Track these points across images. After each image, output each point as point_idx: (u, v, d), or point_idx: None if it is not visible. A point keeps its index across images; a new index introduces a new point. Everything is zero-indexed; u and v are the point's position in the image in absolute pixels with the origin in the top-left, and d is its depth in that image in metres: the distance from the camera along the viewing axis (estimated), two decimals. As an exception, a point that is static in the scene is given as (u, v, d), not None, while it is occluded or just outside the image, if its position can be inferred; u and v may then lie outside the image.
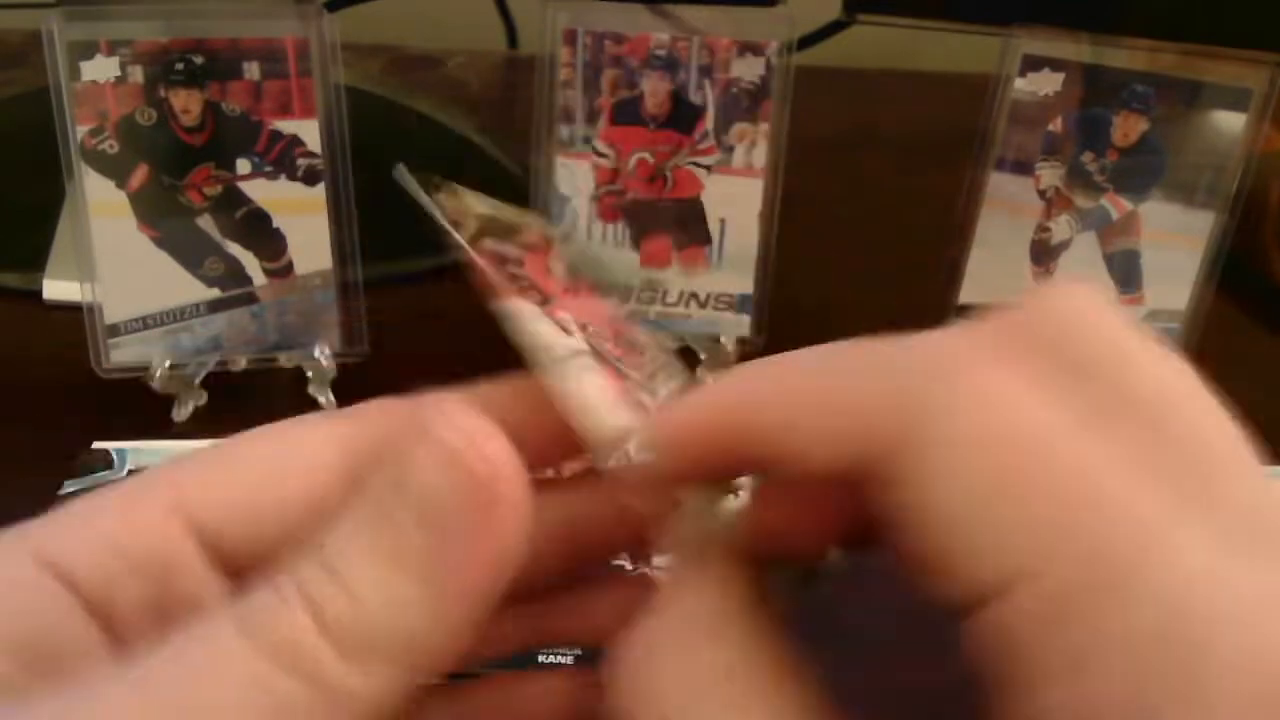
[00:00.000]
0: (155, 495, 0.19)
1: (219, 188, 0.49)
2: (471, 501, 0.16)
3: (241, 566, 0.18)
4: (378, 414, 0.20)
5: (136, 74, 0.47)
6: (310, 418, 0.20)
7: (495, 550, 0.16)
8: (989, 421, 0.16)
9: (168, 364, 0.50)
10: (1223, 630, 0.14)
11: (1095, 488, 0.16)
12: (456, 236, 0.22)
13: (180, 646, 0.16)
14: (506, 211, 0.24)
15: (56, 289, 0.54)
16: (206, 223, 0.50)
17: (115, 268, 0.48)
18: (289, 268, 0.51)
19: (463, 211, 0.23)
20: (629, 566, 0.25)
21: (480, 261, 0.22)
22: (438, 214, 0.23)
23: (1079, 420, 0.16)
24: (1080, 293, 0.19)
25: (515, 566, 0.17)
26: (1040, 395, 0.17)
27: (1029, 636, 0.15)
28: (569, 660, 0.40)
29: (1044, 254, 0.54)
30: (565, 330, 0.22)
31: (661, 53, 0.51)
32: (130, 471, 0.45)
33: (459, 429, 0.16)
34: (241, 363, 0.51)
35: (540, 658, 0.40)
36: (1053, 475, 0.16)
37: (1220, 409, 0.17)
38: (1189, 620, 0.14)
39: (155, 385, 0.49)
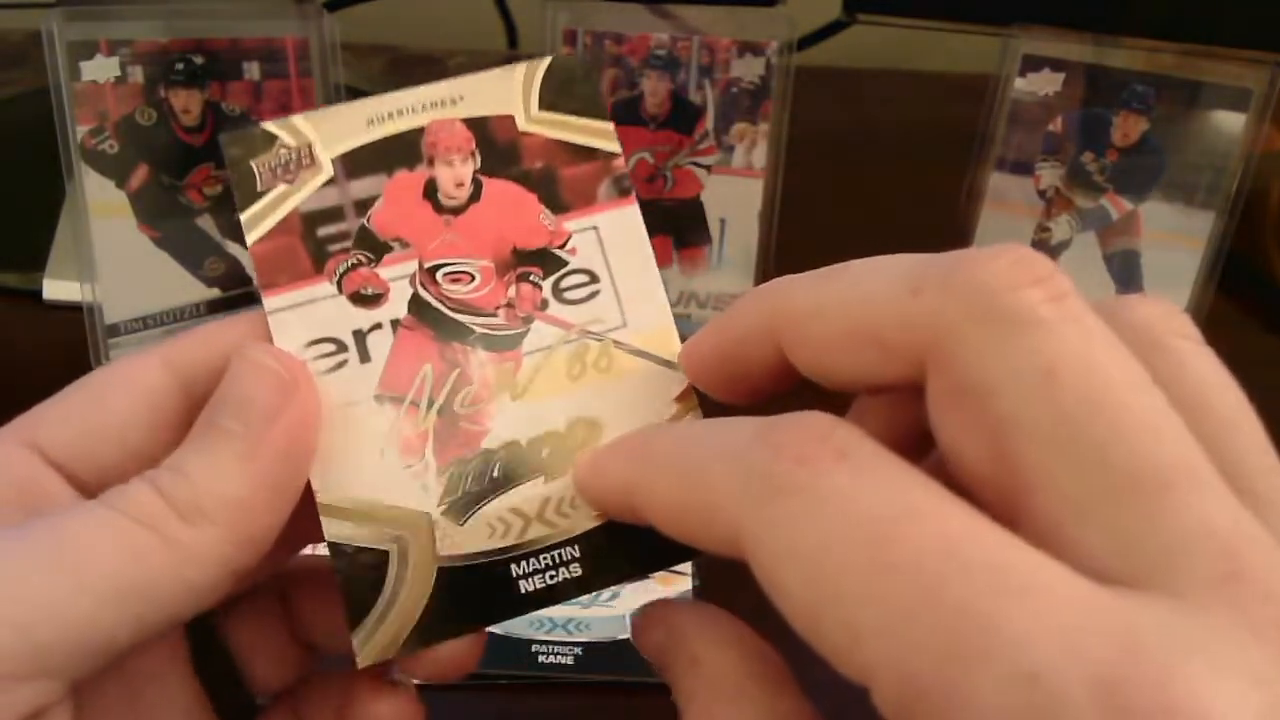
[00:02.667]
0: (10, 434, 0.22)
1: (219, 188, 0.49)
2: (275, 391, 0.21)
3: (94, 488, 0.22)
4: (199, 336, 0.23)
5: (136, 74, 0.47)
6: (140, 351, 0.23)
7: (296, 424, 0.21)
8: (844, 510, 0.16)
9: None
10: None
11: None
12: (245, 231, 0.23)
13: (57, 516, 0.20)
14: (411, 97, 0.23)
15: (56, 289, 0.54)
16: (206, 223, 0.50)
17: (115, 268, 0.48)
18: (289, 268, 0.51)
19: (305, 152, 0.23)
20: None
21: (257, 255, 0.23)
22: (238, 189, 0.23)
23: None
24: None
25: (313, 443, 0.22)
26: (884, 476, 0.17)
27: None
28: (569, 660, 0.40)
29: (1044, 254, 0.54)
30: (366, 301, 0.22)
31: (661, 52, 0.51)
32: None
33: (262, 348, 0.22)
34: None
35: (540, 658, 0.40)
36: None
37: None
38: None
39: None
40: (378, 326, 0.22)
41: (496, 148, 0.23)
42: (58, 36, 0.45)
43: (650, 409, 0.22)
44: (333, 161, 0.23)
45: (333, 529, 0.22)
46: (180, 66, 0.47)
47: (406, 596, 0.21)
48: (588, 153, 0.23)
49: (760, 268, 0.53)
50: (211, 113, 0.48)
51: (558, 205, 0.23)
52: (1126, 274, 0.54)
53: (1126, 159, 0.52)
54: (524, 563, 0.21)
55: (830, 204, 0.68)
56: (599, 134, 0.23)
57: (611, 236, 0.23)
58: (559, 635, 0.40)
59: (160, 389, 0.22)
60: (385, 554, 0.21)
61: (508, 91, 0.23)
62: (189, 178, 0.49)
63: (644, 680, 0.39)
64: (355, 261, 0.23)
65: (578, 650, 0.40)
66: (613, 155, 0.23)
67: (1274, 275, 0.65)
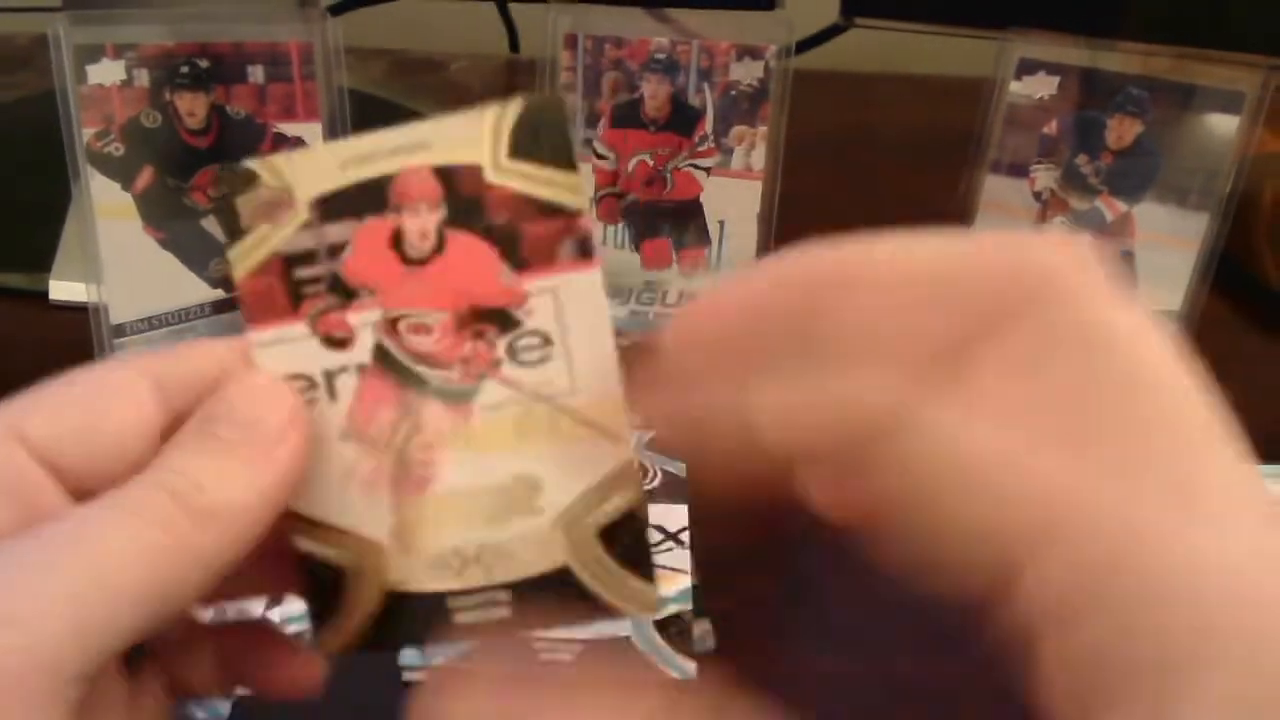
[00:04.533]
0: None
1: (224, 190, 0.50)
2: (285, 415, 0.23)
3: (82, 487, 0.22)
4: (181, 354, 0.24)
5: (142, 77, 0.47)
6: (121, 358, 0.25)
7: (298, 449, 0.23)
8: (963, 435, 0.18)
9: (173, 364, 0.50)
10: (1211, 584, 0.16)
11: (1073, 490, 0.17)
12: (231, 268, 0.23)
13: (73, 520, 0.21)
14: (388, 141, 0.23)
15: (62, 290, 0.54)
16: (212, 224, 0.50)
17: (121, 269, 0.49)
18: (293, 269, 0.51)
19: (285, 194, 0.23)
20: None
21: (242, 290, 0.23)
22: (222, 227, 0.24)
23: (1050, 416, 0.18)
24: (1059, 251, 0.20)
25: (304, 469, 0.23)
26: (1012, 389, 0.18)
27: (1051, 604, 0.17)
28: (569, 659, 0.40)
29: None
30: (335, 344, 0.23)
31: (661, 56, 0.52)
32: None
33: (265, 375, 0.23)
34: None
35: (541, 655, 0.40)
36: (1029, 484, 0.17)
37: (1194, 387, 0.18)
38: (1184, 584, 0.16)
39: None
40: (344, 369, 0.23)
41: (462, 199, 0.23)
42: (64, 40, 0.46)
43: (590, 479, 0.23)
44: (309, 205, 0.23)
45: (302, 541, 0.24)
46: (185, 70, 0.48)
47: (358, 609, 0.24)
48: (553, 209, 0.23)
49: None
50: (216, 115, 0.49)
51: (518, 262, 0.23)
52: (1121, 275, 0.54)
53: (1121, 161, 0.53)
54: (460, 598, 0.24)
55: (828, 206, 0.68)
56: (566, 187, 0.23)
57: (569, 301, 0.23)
58: (559, 632, 0.40)
59: (147, 399, 0.23)
60: (342, 570, 0.24)
61: (477, 138, 0.23)
62: (194, 180, 0.49)
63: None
64: (327, 306, 0.23)
65: (577, 648, 0.40)
66: (577, 213, 0.23)
67: (1267, 276, 0.65)
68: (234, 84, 0.49)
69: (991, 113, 0.52)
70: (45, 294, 0.54)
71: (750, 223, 0.54)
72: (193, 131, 0.49)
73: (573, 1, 0.51)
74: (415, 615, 0.23)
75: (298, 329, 0.23)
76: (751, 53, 0.52)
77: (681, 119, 0.52)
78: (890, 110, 0.84)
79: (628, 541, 0.23)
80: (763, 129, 0.52)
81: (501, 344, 0.23)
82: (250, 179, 0.23)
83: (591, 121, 0.53)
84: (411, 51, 0.85)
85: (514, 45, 0.89)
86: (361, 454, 0.24)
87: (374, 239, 0.23)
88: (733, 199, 0.53)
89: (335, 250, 0.23)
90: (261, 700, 0.37)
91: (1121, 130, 0.52)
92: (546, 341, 0.23)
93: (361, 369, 0.23)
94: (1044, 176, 0.53)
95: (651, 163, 0.53)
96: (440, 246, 0.23)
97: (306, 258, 0.23)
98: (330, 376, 0.23)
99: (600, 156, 0.53)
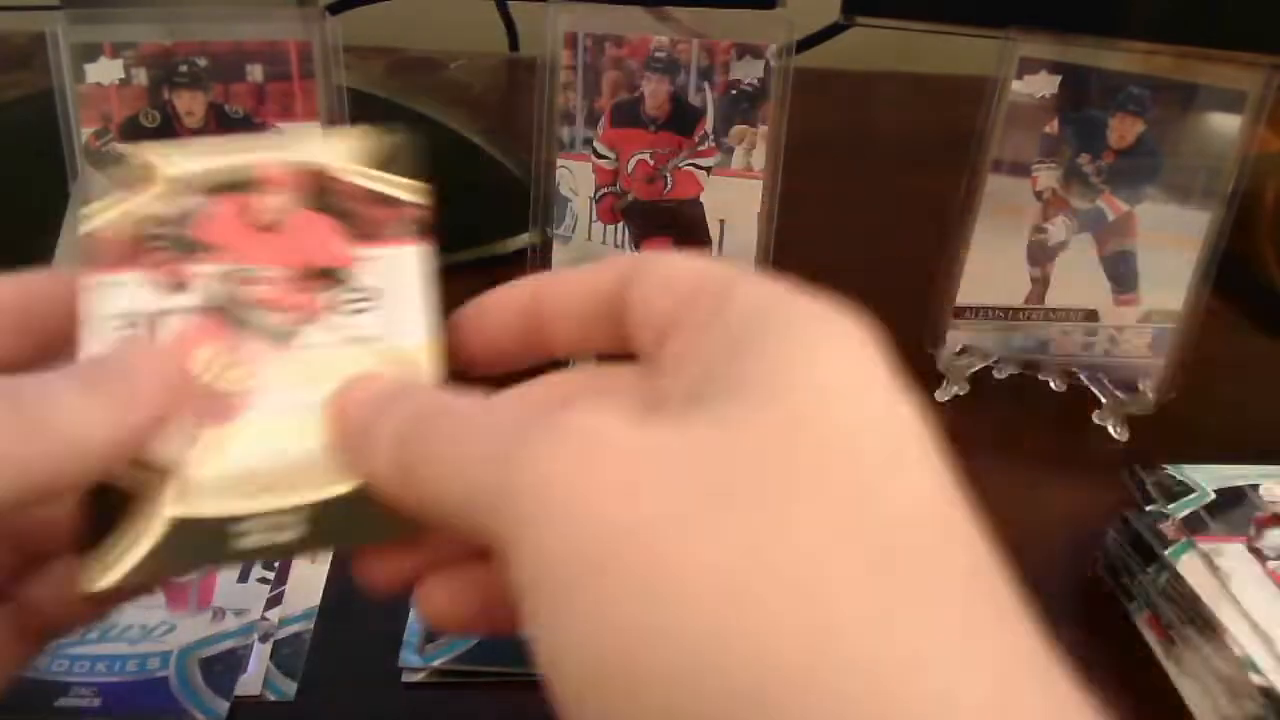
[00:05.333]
0: None
1: (222, 189, 0.50)
2: (159, 375, 0.24)
3: None
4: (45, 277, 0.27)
5: (140, 76, 0.47)
6: None
7: (157, 408, 0.24)
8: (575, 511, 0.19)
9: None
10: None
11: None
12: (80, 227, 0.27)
13: None
14: (241, 150, 0.27)
15: (60, 289, 0.54)
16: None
17: (119, 268, 0.49)
18: (291, 268, 0.51)
19: (147, 171, 0.27)
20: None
21: (88, 242, 0.26)
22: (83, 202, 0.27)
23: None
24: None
25: (156, 430, 0.24)
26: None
27: None
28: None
29: (1041, 255, 0.55)
30: (173, 290, 0.26)
31: (661, 55, 0.52)
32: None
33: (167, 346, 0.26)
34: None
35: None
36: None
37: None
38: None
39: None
40: (173, 312, 0.26)
41: (311, 185, 0.27)
42: (62, 39, 0.45)
43: None
44: (168, 180, 0.27)
45: None
46: (184, 69, 0.48)
47: (136, 535, 0.24)
48: (387, 199, 0.27)
49: (759, 268, 0.54)
50: (215, 115, 0.49)
51: (353, 236, 0.27)
52: (1122, 275, 0.54)
53: (1122, 160, 0.52)
54: (248, 522, 0.25)
55: (829, 205, 0.69)
56: (407, 188, 0.28)
57: (391, 269, 0.27)
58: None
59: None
60: (126, 495, 0.24)
61: (332, 149, 0.28)
62: (192, 179, 0.49)
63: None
64: (168, 258, 0.26)
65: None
66: (409, 204, 0.27)
67: (1269, 276, 0.65)
68: (232, 83, 0.49)
69: (993, 112, 0.52)
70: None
71: (751, 222, 0.53)
72: (191, 130, 0.49)
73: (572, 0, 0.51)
74: (195, 541, 0.24)
75: (133, 276, 0.26)
76: (752, 51, 0.51)
77: (681, 118, 0.52)
78: (891, 109, 0.84)
79: None
80: (763, 128, 0.52)
81: (329, 296, 0.27)
82: (119, 159, 0.27)
83: (591, 121, 0.52)
84: (411, 50, 0.85)
85: (513, 44, 0.89)
86: None
87: (226, 209, 0.27)
88: (733, 198, 0.53)
89: (185, 218, 0.27)
90: (260, 698, 0.37)
91: (1123, 129, 0.52)
92: (366, 299, 0.27)
93: (192, 310, 0.26)
94: (1045, 176, 0.53)
95: (651, 162, 0.53)
96: (286, 220, 0.27)
97: (155, 221, 0.27)
98: (154, 318, 0.26)
99: (600, 156, 0.53)
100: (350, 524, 0.24)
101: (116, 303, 0.26)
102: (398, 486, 0.23)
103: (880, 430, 0.20)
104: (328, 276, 0.27)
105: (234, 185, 0.27)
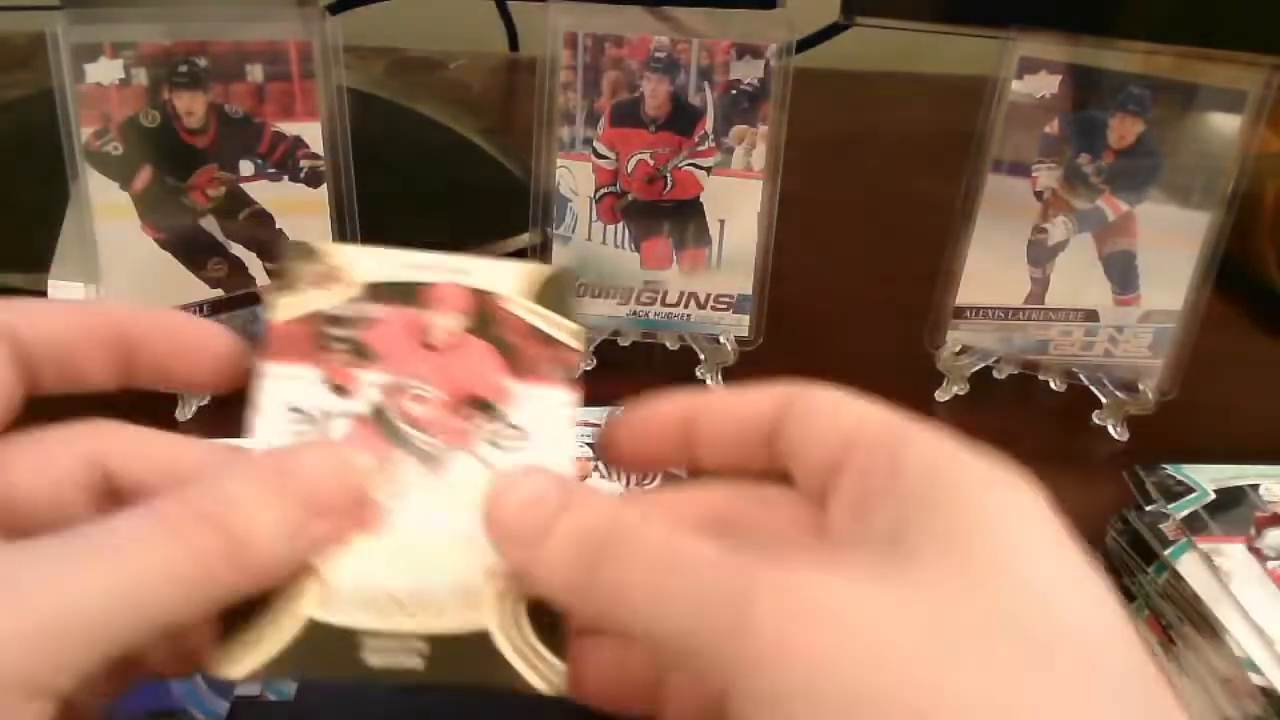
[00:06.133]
0: None
1: (222, 189, 0.50)
2: (347, 487, 0.25)
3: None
4: (42, 311, 0.27)
5: (140, 76, 0.47)
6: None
7: (344, 523, 0.25)
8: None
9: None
10: None
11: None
12: (268, 301, 0.28)
13: (109, 524, 0.22)
14: (408, 267, 0.28)
15: (61, 289, 0.54)
16: (210, 224, 0.50)
17: (119, 269, 0.49)
18: (291, 268, 0.51)
19: (336, 272, 0.28)
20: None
21: (273, 331, 0.27)
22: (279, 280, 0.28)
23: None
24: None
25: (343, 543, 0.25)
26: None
27: None
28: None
29: (1041, 255, 0.55)
30: (340, 392, 0.27)
31: (661, 55, 0.52)
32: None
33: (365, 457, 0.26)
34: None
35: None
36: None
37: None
38: None
39: (159, 385, 0.50)
40: (340, 414, 0.27)
41: (485, 315, 0.28)
42: (62, 39, 0.45)
43: None
44: (360, 285, 0.28)
45: None
46: (184, 69, 0.48)
47: (276, 629, 0.24)
48: (551, 341, 0.28)
49: (759, 268, 0.54)
50: (215, 114, 0.49)
51: (514, 371, 0.28)
52: (1122, 275, 0.54)
53: (1123, 161, 0.52)
54: (378, 640, 0.25)
55: (828, 205, 0.69)
56: (567, 332, 0.28)
57: (545, 410, 0.28)
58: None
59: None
60: (272, 588, 0.24)
61: (509, 279, 0.29)
62: (193, 179, 0.49)
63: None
64: (342, 360, 0.27)
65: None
66: (569, 349, 0.28)
67: (1269, 276, 0.65)
68: (232, 83, 0.49)
69: (993, 112, 0.52)
70: (44, 293, 0.54)
71: (750, 222, 0.53)
72: (191, 131, 0.49)
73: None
74: (327, 647, 0.24)
75: (310, 372, 0.27)
76: (752, 51, 0.51)
77: (681, 118, 0.52)
78: (891, 109, 0.84)
79: (551, 620, 0.24)
80: (763, 128, 0.52)
81: (483, 428, 0.27)
82: (310, 253, 0.28)
83: (591, 120, 0.52)
84: (411, 50, 0.85)
85: (513, 44, 0.89)
86: None
87: (402, 323, 0.28)
88: (733, 198, 0.53)
89: (359, 322, 0.28)
90: (259, 698, 0.37)
91: (1123, 129, 0.52)
92: (520, 435, 0.27)
93: (356, 417, 0.27)
94: (1046, 176, 0.53)
95: (651, 162, 0.53)
96: (455, 344, 0.28)
97: (339, 322, 0.28)
98: (326, 417, 0.27)
99: (600, 156, 0.53)
100: (473, 662, 0.24)
101: (290, 395, 0.27)
102: (577, 599, 0.23)
103: (1081, 593, 0.22)
104: (482, 406, 0.27)
105: (409, 298, 0.28)
